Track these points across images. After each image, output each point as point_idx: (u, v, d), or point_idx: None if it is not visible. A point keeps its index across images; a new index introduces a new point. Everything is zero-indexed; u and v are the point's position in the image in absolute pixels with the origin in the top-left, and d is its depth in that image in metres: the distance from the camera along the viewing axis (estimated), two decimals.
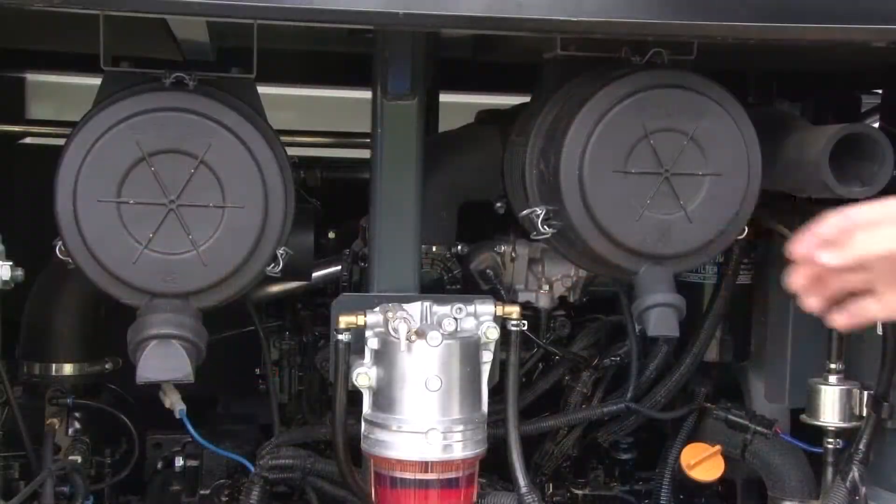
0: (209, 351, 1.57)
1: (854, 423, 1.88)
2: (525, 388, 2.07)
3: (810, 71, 2.16)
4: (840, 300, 1.35)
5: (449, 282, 1.94)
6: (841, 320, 1.37)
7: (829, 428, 1.90)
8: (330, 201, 2.24)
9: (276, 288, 2.13)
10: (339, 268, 2.09)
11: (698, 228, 1.62)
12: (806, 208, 1.83)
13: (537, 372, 2.18)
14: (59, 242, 1.54)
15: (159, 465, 2.23)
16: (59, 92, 2.92)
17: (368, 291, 1.74)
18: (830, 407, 1.89)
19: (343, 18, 1.40)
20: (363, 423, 1.60)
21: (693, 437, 2.05)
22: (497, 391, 1.72)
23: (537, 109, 1.75)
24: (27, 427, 1.88)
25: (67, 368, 2.05)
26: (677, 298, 1.63)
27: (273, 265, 1.58)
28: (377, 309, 1.61)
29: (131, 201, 1.50)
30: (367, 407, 1.60)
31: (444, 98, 2.54)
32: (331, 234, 2.17)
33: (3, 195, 2.49)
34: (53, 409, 2.02)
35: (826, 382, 1.90)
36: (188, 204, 1.51)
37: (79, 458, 1.95)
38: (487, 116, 2.17)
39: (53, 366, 2.04)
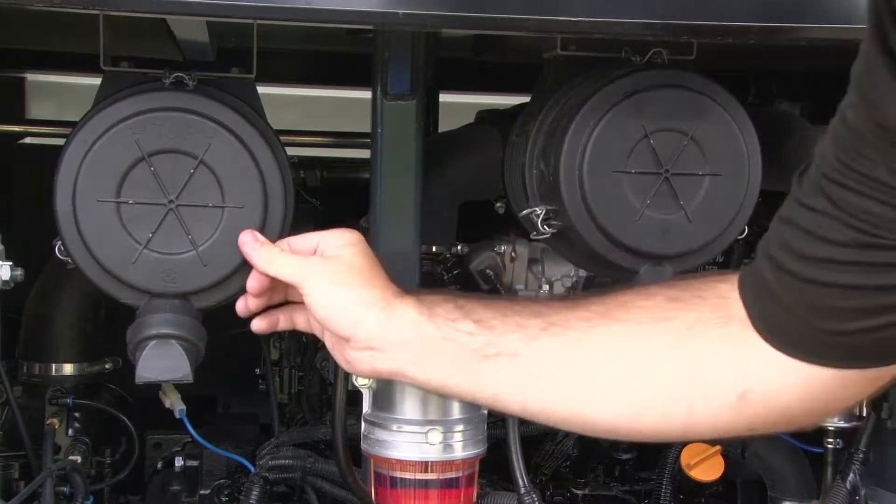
0: (209, 351, 1.57)
1: (854, 423, 1.88)
2: None
3: (810, 71, 2.16)
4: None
5: (449, 282, 1.94)
6: (259, 325, 1.51)
7: (829, 428, 1.90)
8: (330, 201, 2.24)
9: None
10: None
11: (698, 228, 1.62)
12: None
13: None
14: (59, 242, 1.54)
15: (159, 465, 2.23)
16: (59, 92, 2.92)
17: None
18: None
19: (343, 18, 1.40)
20: (363, 423, 1.60)
21: None
22: None
23: (537, 109, 1.74)
24: (27, 427, 1.88)
25: (67, 368, 2.05)
26: None
27: None
28: None
29: (131, 201, 1.50)
30: (366, 407, 1.60)
31: (444, 98, 2.54)
32: None
33: (3, 195, 2.49)
34: (53, 409, 2.02)
35: None
36: (188, 204, 1.51)
37: (79, 458, 1.95)
38: (487, 116, 2.17)
39: (53, 366, 2.04)
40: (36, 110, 2.92)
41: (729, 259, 1.98)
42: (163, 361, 1.50)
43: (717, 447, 2.00)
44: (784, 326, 1.14)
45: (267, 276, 1.46)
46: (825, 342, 1.12)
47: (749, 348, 1.17)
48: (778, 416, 1.19)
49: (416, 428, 1.55)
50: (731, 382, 1.18)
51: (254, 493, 1.88)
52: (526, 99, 1.87)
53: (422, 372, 1.34)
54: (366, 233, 1.83)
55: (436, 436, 1.55)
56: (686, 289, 1.25)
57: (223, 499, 2.08)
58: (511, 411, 1.34)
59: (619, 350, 1.24)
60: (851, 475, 1.82)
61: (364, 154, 2.01)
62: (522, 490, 1.70)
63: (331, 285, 1.39)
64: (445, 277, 1.94)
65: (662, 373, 1.22)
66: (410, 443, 1.56)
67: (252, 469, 1.92)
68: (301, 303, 1.45)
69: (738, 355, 1.18)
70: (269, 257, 1.45)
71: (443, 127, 2.48)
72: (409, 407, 1.56)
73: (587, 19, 1.40)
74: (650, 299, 1.26)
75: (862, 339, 1.09)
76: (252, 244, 1.47)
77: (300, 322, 1.49)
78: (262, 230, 1.53)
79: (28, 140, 2.60)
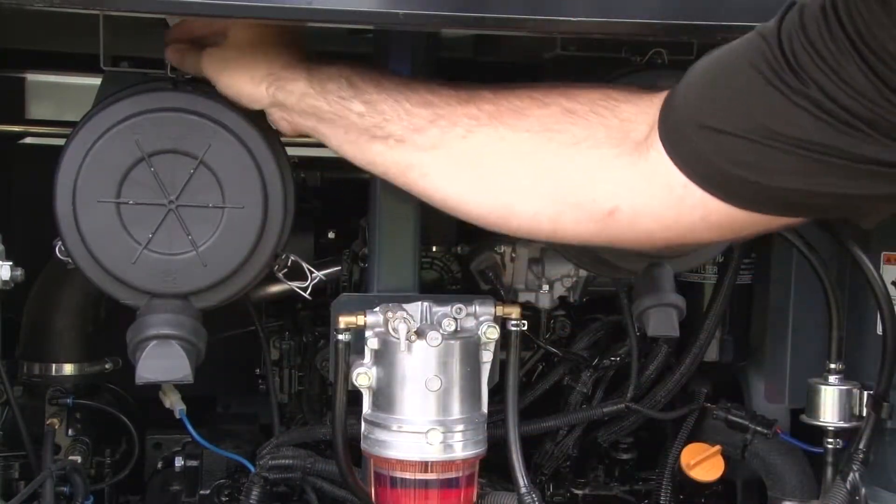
0: (209, 351, 1.57)
1: (854, 423, 1.88)
2: (525, 389, 2.07)
3: None
4: None
5: (449, 282, 1.94)
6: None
7: (829, 428, 1.90)
8: (330, 201, 2.24)
9: (276, 288, 2.13)
10: (339, 268, 2.09)
11: None
12: None
13: (537, 372, 2.18)
14: (59, 242, 1.54)
15: (159, 465, 2.23)
16: (59, 92, 2.91)
17: (368, 291, 1.74)
18: (830, 407, 1.89)
19: (343, 18, 1.39)
20: (363, 423, 1.60)
21: (693, 437, 2.05)
22: (497, 391, 1.72)
23: None
24: (27, 427, 1.88)
25: (67, 368, 2.05)
26: (678, 298, 1.62)
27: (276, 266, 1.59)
28: (377, 309, 1.61)
29: (131, 201, 1.50)
30: (366, 407, 1.60)
31: None
32: (331, 234, 2.17)
33: (3, 195, 2.49)
34: (53, 409, 2.02)
35: (826, 382, 1.90)
36: (188, 204, 1.51)
37: (79, 458, 1.95)
38: None
39: (53, 366, 2.04)
40: (36, 110, 2.91)
41: (729, 258, 1.98)
42: (163, 362, 1.50)
43: (717, 447, 2.00)
44: (694, 154, 1.18)
45: None
46: (734, 180, 1.15)
47: (632, 171, 1.24)
48: (640, 235, 1.27)
49: (416, 428, 1.55)
50: (601, 200, 1.26)
51: (254, 493, 1.88)
52: None
53: (324, 137, 1.46)
54: (365, 233, 1.84)
55: (436, 436, 1.55)
56: (586, 102, 1.31)
57: (223, 499, 2.08)
58: (399, 186, 1.45)
59: (499, 150, 1.33)
60: (851, 475, 1.82)
61: None
62: (522, 490, 1.70)
63: (222, 74, 1.48)
64: (445, 278, 1.94)
65: (537, 178, 1.31)
66: (410, 443, 1.56)
67: (252, 469, 1.92)
68: None
69: (616, 176, 1.25)
70: (181, 57, 1.53)
71: None
72: (408, 407, 1.56)
73: (587, 19, 1.40)
74: (545, 108, 1.33)
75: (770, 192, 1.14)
76: (171, 53, 1.55)
77: None
78: (262, 230, 1.53)
79: (28, 140, 2.59)
